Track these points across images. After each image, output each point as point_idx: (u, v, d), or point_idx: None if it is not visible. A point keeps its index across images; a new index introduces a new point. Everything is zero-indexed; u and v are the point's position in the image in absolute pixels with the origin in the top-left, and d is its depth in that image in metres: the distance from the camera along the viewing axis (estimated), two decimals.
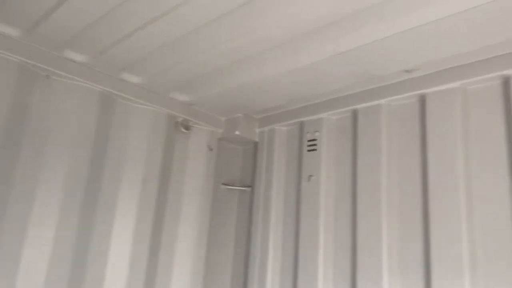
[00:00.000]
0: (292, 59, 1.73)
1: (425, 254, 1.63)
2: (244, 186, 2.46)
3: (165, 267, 2.11)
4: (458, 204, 1.56)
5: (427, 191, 1.67)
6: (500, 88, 1.57)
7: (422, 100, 1.77)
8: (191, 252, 2.20)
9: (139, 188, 2.04)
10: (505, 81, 1.55)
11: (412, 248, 1.68)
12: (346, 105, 2.03)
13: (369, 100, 1.93)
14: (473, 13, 1.32)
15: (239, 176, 2.53)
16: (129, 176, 2.02)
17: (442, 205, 1.61)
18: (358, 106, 1.98)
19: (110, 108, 2.02)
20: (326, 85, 1.97)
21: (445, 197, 1.61)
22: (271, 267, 2.16)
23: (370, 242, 1.78)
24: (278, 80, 1.93)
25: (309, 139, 2.16)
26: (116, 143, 2.01)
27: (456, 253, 1.53)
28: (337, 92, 2.03)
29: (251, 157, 2.49)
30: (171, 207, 2.17)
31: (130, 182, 2.02)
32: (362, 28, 1.48)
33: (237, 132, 2.37)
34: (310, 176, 2.09)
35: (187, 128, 2.27)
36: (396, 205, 1.77)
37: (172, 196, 2.18)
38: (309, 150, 2.15)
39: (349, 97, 2.01)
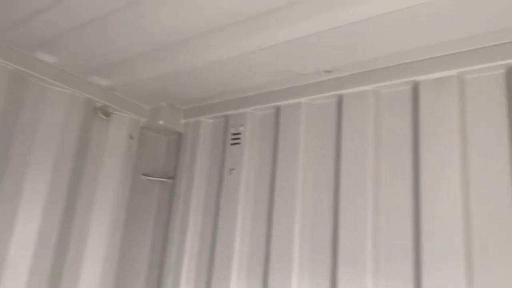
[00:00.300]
0: (215, 50, 1.71)
1: (333, 252, 1.69)
2: (166, 178, 2.42)
3: (75, 256, 2.02)
4: (365, 206, 1.63)
5: (338, 190, 1.73)
6: (410, 92, 1.66)
7: (340, 100, 1.83)
8: (104, 242, 2.12)
9: (49, 173, 1.93)
10: (415, 86, 1.64)
11: (322, 246, 1.73)
12: (269, 101, 2.05)
13: (291, 97, 1.97)
14: (386, 19, 1.38)
15: (161, 167, 2.48)
16: (39, 160, 1.90)
17: (350, 205, 1.67)
18: (281, 103, 2.01)
19: (21, 88, 1.88)
20: (251, 80, 1.98)
21: (353, 198, 1.67)
22: (187, 260, 2.14)
23: (283, 238, 1.81)
24: (203, 71, 1.91)
25: (233, 132, 2.16)
26: (25, 125, 1.88)
27: (360, 252, 1.60)
28: (261, 88, 2.05)
29: (174, 148, 2.44)
30: (85, 195, 2.08)
31: (39, 166, 1.90)
32: (282, 25, 1.49)
33: (160, 122, 2.32)
34: (232, 169, 2.09)
35: (106, 114, 2.18)
36: (310, 202, 1.82)
37: (87, 183, 2.09)
38: (232, 144, 2.15)
39: (272, 93, 2.04)
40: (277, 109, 2.03)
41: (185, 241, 2.17)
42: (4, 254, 1.79)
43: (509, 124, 1.41)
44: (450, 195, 1.45)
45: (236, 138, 2.14)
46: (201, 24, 1.56)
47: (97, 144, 2.15)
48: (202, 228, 2.16)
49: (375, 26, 1.44)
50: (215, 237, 2.06)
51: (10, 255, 1.80)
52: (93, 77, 2.08)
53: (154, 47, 1.75)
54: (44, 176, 1.92)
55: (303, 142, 1.89)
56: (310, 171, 1.85)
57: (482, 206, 1.41)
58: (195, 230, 2.18)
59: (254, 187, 2.03)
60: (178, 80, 2.04)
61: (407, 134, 1.62)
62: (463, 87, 1.53)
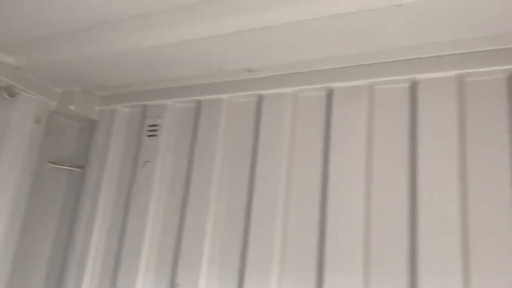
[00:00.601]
0: (137, 38, 1.65)
1: (242, 249, 1.71)
2: (75, 167, 2.28)
3: None
4: (275, 209, 1.67)
5: (252, 190, 1.75)
6: (324, 99, 1.74)
7: (260, 100, 1.86)
8: (1, 232, 1.95)
9: None
10: (329, 93, 1.72)
11: (232, 243, 1.74)
12: (190, 95, 2.03)
13: (213, 93, 1.96)
14: (304, 25, 1.43)
15: (71, 155, 2.33)
16: None
17: (262, 206, 1.70)
18: (202, 98, 1.99)
19: None
20: (173, 71, 1.94)
21: (265, 199, 1.70)
22: (93, 255, 2.05)
23: (195, 236, 1.80)
24: (123, 58, 1.83)
25: (150, 124, 2.10)
26: None
27: (268, 250, 1.63)
28: (183, 81, 2.02)
29: (86, 136, 2.32)
30: None
31: None
32: (206, 20, 1.48)
33: (72, 107, 2.18)
34: (146, 162, 2.04)
35: (11, 94, 2.00)
36: (224, 200, 1.82)
37: None
38: (149, 136, 2.09)
39: (194, 87, 2.01)
40: (198, 104, 2.01)
41: (92, 234, 2.07)
42: None
43: (410, 132, 1.53)
44: (355, 201, 1.54)
45: (153, 130, 2.09)
46: (123, 9, 1.50)
47: None
48: (111, 221, 2.08)
49: (293, 31, 1.49)
50: (124, 231, 1.99)
51: None
52: None
53: (71, 27, 1.65)
54: None
55: (222, 139, 1.89)
56: (226, 169, 1.86)
57: (380, 218, 1.51)
58: (103, 223, 2.09)
59: (168, 181, 2.00)
60: (95, 64, 1.94)
61: (320, 139, 1.69)
62: (373, 96, 1.63)
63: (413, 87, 1.57)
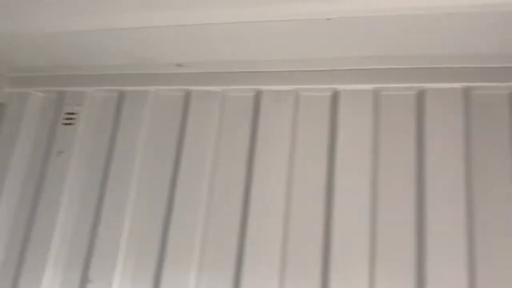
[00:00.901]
0: (58, 20, 1.54)
1: (160, 248, 1.69)
2: None
3: None
4: (197, 208, 1.67)
5: (175, 188, 1.73)
6: (252, 100, 1.78)
7: (188, 96, 1.85)
8: None
9: None
10: (258, 94, 1.77)
11: (150, 241, 1.71)
12: (114, 84, 1.94)
13: (138, 84, 1.90)
14: (235, 27, 1.47)
15: None
16: None
17: (183, 205, 1.70)
18: (126, 88, 1.92)
19: None
20: (97, 58, 1.85)
21: (188, 198, 1.70)
22: None
23: (111, 229, 1.74)
24: (43, 38, 1.71)
25: (67, 111, 1.98)
26: None
27: (187, 248, 1.64)
28: (107, 69, 1.93)
29: None
30: None
31: None
32: (138, 10, 1.44)
33: None
34: (60, 152, 1.92)
35: None
36: (144, 197, 1.78)
37: None
38: (65, 124, 1.96)
39: (119, 76, 1.93)
40: (122, 94, 1.94)
41: None
42: None
43: (330, 138, 1.64)
44: (276, 203, 1.60)
45: (70, 118, 1.97)
46: None
47: None
48: (16, 213, 1.92)
49: (224, 31, 1.52)
50: (31, 225, 1.85)
51: None
52: None
53: None
54: None
55: (146, 133, 1.84)
56: (148, 164, 1.82)
57: (298, 221, 1.58)
58: (7, 215, 1.92)
59: (84, 174, 1.90)
60: (7, 42, 1.78)
61: (246, 138, 1.73)
62: (298, 101, 1.71)
63: (335, 96, 1.67)
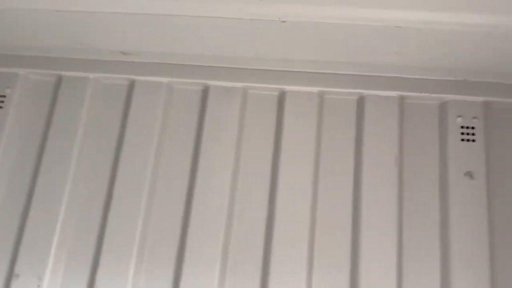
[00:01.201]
0: None
1: (97, 240, 1.63)
2: None
3: None
4: (138, 203, 1.63)
5: (115, 178, 1.68)
6: (200, 94, 1.76)
7: (132, 85, 1.79)
8: None
9: None
10: (205, 89, 1.76)
11: (87, 234, 1.65)
12: (51, 68, 1.83)
13: (78, 70, 1.81)
14: (184, 20, 1.46)
15: None
16: None
17: (123, 200, 1.65)
18: (64, 73, 1.82)
19: None
20: (34, 39, 1.73)
21: (128, 193, 1.65)
22: None
23: (42, 219, 1.65)
24: None
25: None
26: None
27: (127, 240, 1.60)
28: (44, 51, 1.81)
29: None
30: None
31: None
32: None
33: None
34: None
35: None
36: (82, 185, 1.70)
37: None
38: None
39: (57, 60, 1.82)
40: (59, 79, 1.82)
41: None
42: None
43: (276, 137, 1.68)
44: (220, 199, 1.61)
45: None
46: None
47: None
48: None
49: (174, 23, 1.50)
50: None
51: None
52: None
53: None
54: None
55: (84, 121, 1.76)
56: (86, 153, 1.74)
57: (241, 217, 1.61)
58: None
59: (14, 161, 1.76)
60: None
61: (192, 133, 1.72)
62: (246, 99, 1.74)
63: (282, 96, 1.72)
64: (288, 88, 1.72)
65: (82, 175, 1.71)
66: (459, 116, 1.64)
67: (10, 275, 1.61)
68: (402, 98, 1.69)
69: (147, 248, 1.61)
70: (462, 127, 1.63)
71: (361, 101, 1.70)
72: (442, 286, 1.49)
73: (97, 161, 1.72)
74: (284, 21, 1.37)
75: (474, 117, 1.63)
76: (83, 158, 1.73)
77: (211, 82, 1.75)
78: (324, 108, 1.71)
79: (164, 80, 1.77)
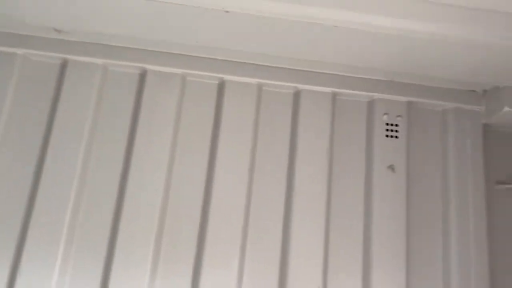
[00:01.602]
0: None
1: (24, 223, 1.56)
2: None
3: None
4: (69, 189, 1.58)
5: (43, 160, 1.60)
6: (137, 78, 1.72)
7: (64, 64, 1.71)
8: None
9: None
10: (142, 73, 1.73)
11: (13, 215, 1.56)
12: None
13: (4, 45, 1.69)
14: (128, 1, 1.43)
15: None
16: None
17: (53, 179, 1.58)
18: None
19: None
20: None
21: (59, 173, 1.59)
22: None
23: None
24: None
25: None
26: None
27: (56, 229, 1.55)
28: None
29: None
30: None
31: None
32: None
33: None
34: None
35: None
36: (7, 166, 1.60)
37: None
38: None
39: None
40: None
41: None
42: None
43: (214, 126, 1.70)
44: (153, 187, 1.60)
45: None
46: None
47: None
48: None
49: (115, 3, 1.46)
50: None
51: None
52: None
53: None
54: None
55: (11, 99, 1.65)
56: (11, 137, 1.63)
57: (175, 208, 1.61)
58: None
59: None
60: None
61: (126, 119, 1.68)
62: (184, 86, 1.73)
63: (221, 86, 1.74)
64: (227, 77, 1.74)
65: (7, 160, 1.61)
66: (385, 113, 1.76)
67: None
68: (334, 94, 1.78)
69: (75, 243, 1.55)
70: (387, 124, 1.76)
71: (297, 95, 1.77)
72: (363, 269, 1.62)
73: (22, 147, 1.63)
74: (227, 11, 1.38)
75: (398, 115, 1.77)
76: (7, 143, 1.62)
77: (149, 66, 1.72)
78: (262, 99, 1.75)
79: (99, 61, 1.71)
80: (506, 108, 1.70)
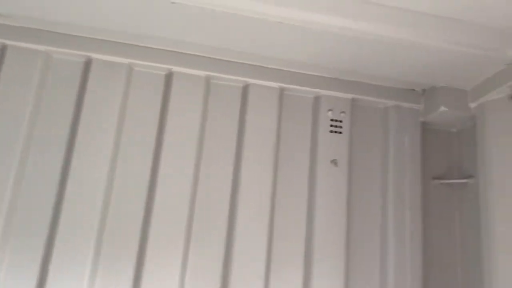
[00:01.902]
0: None
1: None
2: None
3: None
4: (7, 174, 1.53)
5: None
6: (82, 66, 1.68)
7: (3, 51, 1.62)
8: None
9: None
10: (87, 61, 1.68)
11: None
12: None
13: None
14: None
15: None
16: None
17: None
18: None
19: None
20: None
21: None
22: None
23: None
24: None
25: None
26: None
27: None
28: None
29: None
30: None
31: None
32: None
33: None
34: None
35: None
36: None
37: None
38: None
39: None
40: None
41: None
42: None
43: (160, 117, 1.68)
44: (95, 179, 1.57)
45: None
46: None
47: None
48: None
49: None
50: None
51: None
52: None
53: None
54: None
55: None
56: None
57: (120, 197, 1.59)
58: None
59: None
60: None
61: (69, 108, 1.63)
62: (131, 76, 1.70)
63: (168, 77, 1.73)
64: (175, 69, 1.72)
65: None
66: (330, 110, 1.82)
67: None
68: (282, 90, 1.81)
69: (13, 235, 1.49)
70: (331, 119, 1.81)
71: (245, 89, 1.78)
72: (305, 261, 1.67)
73: None
74: (173, 2, 1.37)
75: (342, 112, 1.83)
76: None
77: (94, 55, 1.68)
78: (210, 92, 1.76)
79: (41, 48, 1.64)
80: (442, 108, 1.80)
